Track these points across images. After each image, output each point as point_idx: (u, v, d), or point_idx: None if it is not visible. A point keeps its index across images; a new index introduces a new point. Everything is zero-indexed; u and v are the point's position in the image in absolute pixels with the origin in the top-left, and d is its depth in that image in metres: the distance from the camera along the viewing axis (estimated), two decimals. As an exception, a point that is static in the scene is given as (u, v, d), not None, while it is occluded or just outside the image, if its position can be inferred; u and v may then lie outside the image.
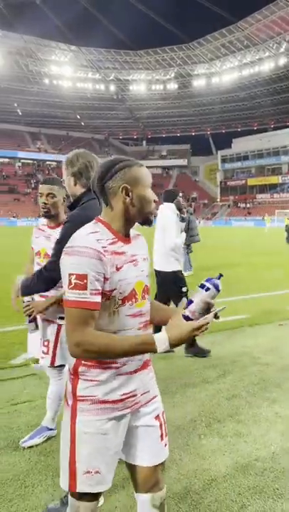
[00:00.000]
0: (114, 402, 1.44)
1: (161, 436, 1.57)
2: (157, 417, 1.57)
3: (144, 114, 78.86)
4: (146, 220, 1.52)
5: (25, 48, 62.97)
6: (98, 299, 1.35)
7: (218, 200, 70.24)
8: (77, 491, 1.43)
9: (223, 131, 78.71)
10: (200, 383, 3.86)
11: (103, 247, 1.37)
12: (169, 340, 1.33)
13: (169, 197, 4.76)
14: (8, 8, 57.20)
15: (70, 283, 1.34)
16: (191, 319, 1.41)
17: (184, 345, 4.62)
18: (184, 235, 4.84)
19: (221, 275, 1.49)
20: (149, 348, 1.34)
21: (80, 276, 1.32)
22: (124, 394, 1.46)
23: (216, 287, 1.45)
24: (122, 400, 1.46)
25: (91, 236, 1.38)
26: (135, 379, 1.49)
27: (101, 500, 2.13)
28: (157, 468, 1.56)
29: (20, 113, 72.94)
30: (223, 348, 4.82)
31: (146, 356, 1.56)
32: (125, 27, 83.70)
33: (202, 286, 1.45)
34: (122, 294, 1.42)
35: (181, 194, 4.89)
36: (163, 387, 3.73)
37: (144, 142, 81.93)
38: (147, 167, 1.59)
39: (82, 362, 1.44)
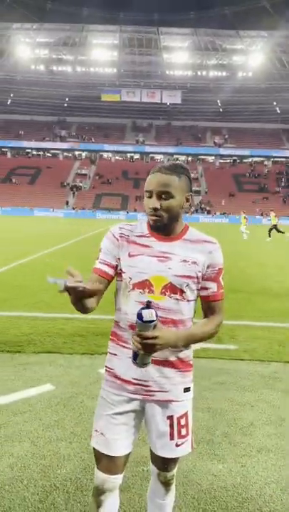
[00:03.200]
0: (125, 381, 1.60)
1: (171, 435, 1.63)
2: (170, 418, 1.62)
3: None
4: (151, 226, 1.59)
5: (287, 43, 61.64)
6: (105, 268, 1.61)
7: None
8: (90, 443, 1.66)
9: None
10: None
11: (120, 234, 1.61)
12: None
13: None
14: (274, 8, 57.19)
15: None
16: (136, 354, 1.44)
17: None
18: None
19: (148, 302, 1.35)
20: None
21: (99, 249, 1.65)
22: (135, 379, 1.59)
23: (140, 317, 1.34)
24: (133, 384, 1.59)
25: (119, 225, 1.66)
26: (150, 369, 1.55)
27: None
28: (167, 460, 1.67)
29: (278, 111, 72.22)
30: None
31: (172, 357, 1.59)
32: None
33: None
34: (132, 280, 1.57)
35: None
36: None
37: None
38: None
39: (110, 337, 1.68)
